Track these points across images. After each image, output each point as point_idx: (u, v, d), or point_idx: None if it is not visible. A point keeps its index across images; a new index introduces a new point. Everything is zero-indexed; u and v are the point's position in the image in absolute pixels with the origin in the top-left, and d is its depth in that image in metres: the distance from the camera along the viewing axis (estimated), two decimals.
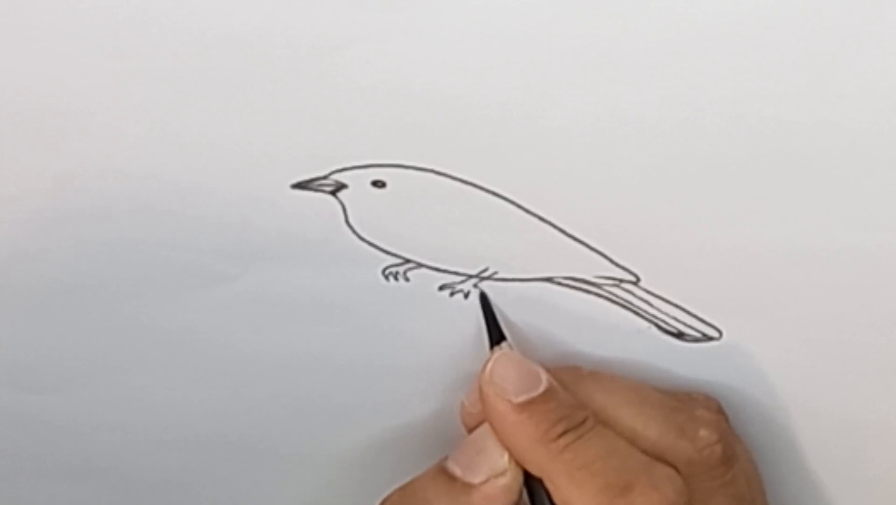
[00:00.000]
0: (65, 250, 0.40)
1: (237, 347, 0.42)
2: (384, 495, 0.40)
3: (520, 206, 0.37)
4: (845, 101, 0.34)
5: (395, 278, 0.40)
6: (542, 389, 0.38)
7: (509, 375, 0.38)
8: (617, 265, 0.38)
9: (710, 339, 0.40)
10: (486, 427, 0.39)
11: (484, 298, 0.40)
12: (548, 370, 0.39)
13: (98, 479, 0.45)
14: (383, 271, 0.40)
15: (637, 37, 0.33)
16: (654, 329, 0.40)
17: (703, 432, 0.38)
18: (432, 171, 0.37)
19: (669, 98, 0.34)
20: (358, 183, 0.37)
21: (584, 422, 0.38)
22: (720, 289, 0.38)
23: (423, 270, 0.40)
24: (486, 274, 0.39)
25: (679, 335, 0.40)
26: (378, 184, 0.37)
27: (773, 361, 0.40)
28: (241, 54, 0.35)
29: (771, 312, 0.39)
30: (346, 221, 0.38)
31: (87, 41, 0.35)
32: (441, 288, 0.40)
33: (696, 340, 0.40)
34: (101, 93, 0.36)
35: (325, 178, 0.37)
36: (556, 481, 0.37)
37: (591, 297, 0.39)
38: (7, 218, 0.39)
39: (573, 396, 0.39)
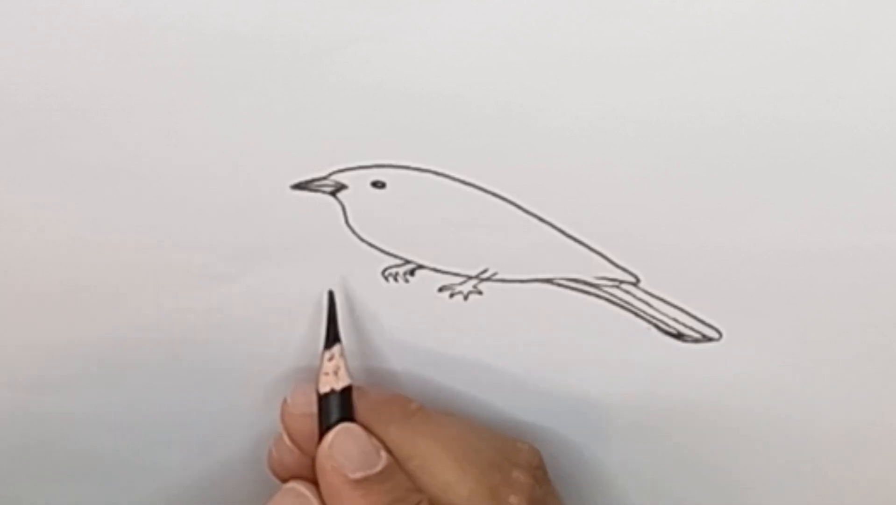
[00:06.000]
0: (64, 251, 0.40)
1: (237, 346, 0.42)
2: None
3: (520, 207, 0.37)
4: (845, 101, 0.34)
5: (395, 279, 0.40)
6: (379, 467, 0.38)
7: (349, 450, 0.38)
8: (617, 266, 0.38)
9: (710, 339, 0.40)
10: None
11: (331, 296, 0.40)
12: (374, 394, 0.40)
13: (98, 479, 0.45)
14: (383, 272, 0.40)
15: (637, 37, 0.33)
16: (654, 330, 0.40)
17: (512, 499, 0.39)
18: (432, 171, 0.37)
19: (669, 98, 0.34)
20: (358, 183, 0.37)
21: None
22: (720, 289, 0.38)
23: (423, 271, 0.40)
24: (485, 275, 0.39)
25: (679, 336, 0.40)
26: (378, 184, 0.37)
27: (773, 361, 0.40)
28: (241, 54, 0.35)
29: (771, 312, 0.39)
30: (346, 222, 0.39)
31: (87, 41, 0.35)
32: (441, 289, 0.40)
33: (696, 340, 0.40)
34: (101, 93, 0.36)
35: (325, 178, 0.37)
36: None
37: (591, 298, 0.39)
38: (7, 219, 0.39)
39: (406, 477, 0.39)
